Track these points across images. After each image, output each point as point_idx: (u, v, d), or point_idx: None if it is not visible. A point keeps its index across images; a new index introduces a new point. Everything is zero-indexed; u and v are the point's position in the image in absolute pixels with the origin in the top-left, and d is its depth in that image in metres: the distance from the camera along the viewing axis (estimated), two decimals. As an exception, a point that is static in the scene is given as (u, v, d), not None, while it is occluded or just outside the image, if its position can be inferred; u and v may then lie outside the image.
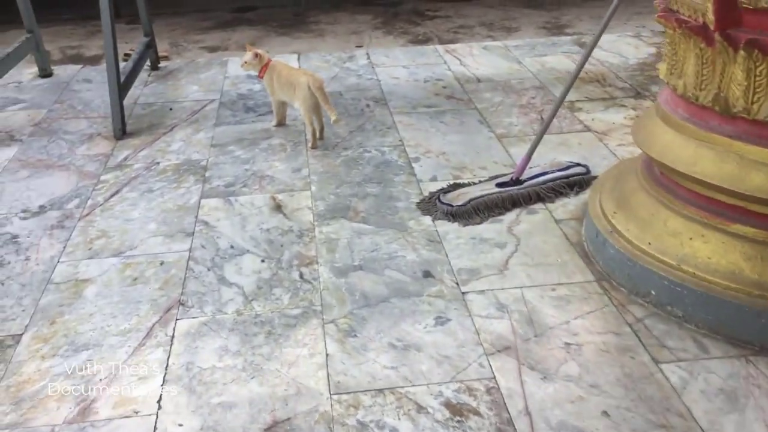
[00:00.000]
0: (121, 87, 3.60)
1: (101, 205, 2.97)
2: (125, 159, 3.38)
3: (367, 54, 4.78)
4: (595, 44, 2.65)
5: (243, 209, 2.90)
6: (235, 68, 4.56)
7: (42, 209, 2.94)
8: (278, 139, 3.54)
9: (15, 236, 2.75)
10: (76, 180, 3.19)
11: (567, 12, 5.82)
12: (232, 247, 2.64)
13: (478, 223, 2.73)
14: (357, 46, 5.15)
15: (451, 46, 4.88)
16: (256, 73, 3.56)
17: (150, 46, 4.44)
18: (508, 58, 4.59)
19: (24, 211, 2.93)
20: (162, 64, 4.69)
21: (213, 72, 4.53)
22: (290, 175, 3.18)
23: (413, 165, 3.21)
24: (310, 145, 3.42)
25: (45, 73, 4.50)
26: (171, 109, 3.97)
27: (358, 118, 3.74)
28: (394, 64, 4.57)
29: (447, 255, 2.54)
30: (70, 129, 3.73)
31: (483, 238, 2.64)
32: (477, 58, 4.61)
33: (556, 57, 4.55)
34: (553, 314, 2.21)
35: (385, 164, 3.23)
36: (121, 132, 3.61)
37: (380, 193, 2.98)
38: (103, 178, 3.20)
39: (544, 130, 2.85)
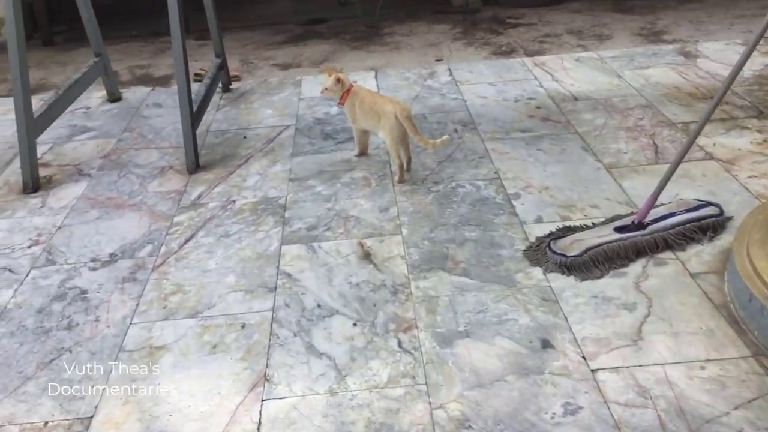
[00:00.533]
0: (193, 117, 3.37)
1: (175, 252, 2.73)
2: (199, 197, 3.13)
3: (449, 69, 4.45)
4: (749, 55, 2.25)
5: (328, 258, 2.61)
6: (309, 88, 4.30)
7: (113, 258, 2.72)
8: (361, 171, 3.25)
9: (84, 291, 2.52)
10: (149, 222, 2.95)
11: (662, 16, 5.37)
12: (319, 306, 2.35)
13: (598, 278, 2.38)
14: (436, 60, 4.83)
15: (540, 59, 4.52)
16: (337, 99, 3.26)
17: (222, 68, 4.22)
18: (605, 71, 4.20)
19: (93, 260, 2.71)
20: (233, 84, 4.46)
21: (287, 93, 4.27)
22: (377, 215, 2.88)
23: (513, 202, 2.87)
24: (396, 178, 3.12)
25: (114, 98, 4.33)
26: (245, 137, 3.72)
27: (447, 146, 3.41)
28: (479, 80, 4.23)
29: (566, 318, 2.20)
30: (141, 161, 3.51)
31: (606, 296, 2.28)
32: (570, 72, 4.23)
33: (660, 69, 4.14)
34: (707, 402, 1.85)
35: (482, 202, 2.90)
36: (195, 165, 3.37)
37: (480, 237, 2.66)
38: (176, 219, 2.96)
39: (676, 166, 2.48)
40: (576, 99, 3.83)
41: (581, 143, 3.33)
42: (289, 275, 2.54)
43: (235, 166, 3.40)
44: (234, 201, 3.08)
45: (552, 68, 4.33)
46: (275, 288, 2.47)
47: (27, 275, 2.64)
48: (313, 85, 4.35)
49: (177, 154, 3.56)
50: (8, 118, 4.06)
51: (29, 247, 2.83)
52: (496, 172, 3.13)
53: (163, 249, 2.76)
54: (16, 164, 3.53)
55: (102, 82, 4.33)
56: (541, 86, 4.06)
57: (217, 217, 2.96)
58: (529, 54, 4.76)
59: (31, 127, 3.27)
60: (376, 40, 5.40)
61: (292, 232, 2.81)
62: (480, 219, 2.78)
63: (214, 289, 2.49)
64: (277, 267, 2.59)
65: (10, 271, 2.68)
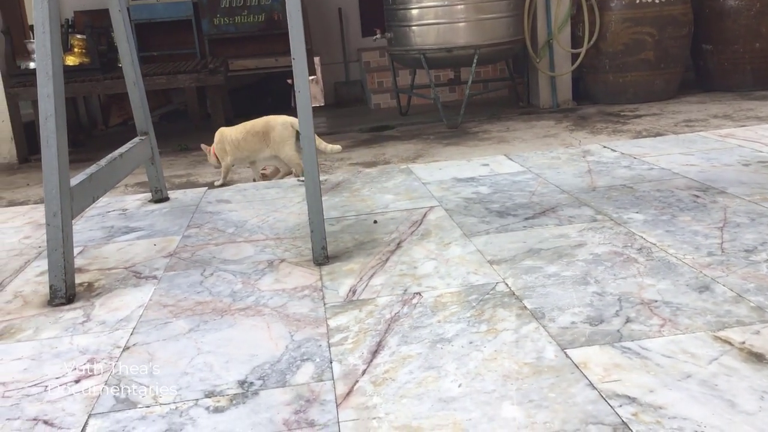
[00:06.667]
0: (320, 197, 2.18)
1: (366, 371, 1.43)
2: (354, 292, 1.87)
3: (606, 147, 3.36)
4: None
5: (679, 365, 1.35)
6: (428, 173, 3.16)
7: (247, 388, 1.40)
8: (599, 245, 2.05)
9: (214, 452, 1.19)
10: (286, 330, 1.67)
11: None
12: (767, 453, 1.05)
13: None
14: (566, 147, 3.76)
15: (721, 132, 3.48)
16: (217, 166, 3.58)
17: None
18: (830, 133, 3.15)
19: (211, 394, 1.39)
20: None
21: (400, 180, 3.12)
22: (699, 297, 1.65)
23: None
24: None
25: (159, 197, 3.12)
26: (376, 221, 2.51)
27: (703, 212, 2.24)
28: (661, 153, 3.14)
29: None
30: (230, 257, 2.26)
31: None
32: (780, 137, 3.17)
33: None
34: None
35: None
36: (324, 255, 2.13)
37: None
38: (334, 323, 1.68)
39: None
40: (834, 157, 2.74)
41: None
42: (631, 399, 1.25)
43: (385, 253, 2.16)
44: (419, 294, 1.82)
45: (749, 137, 3.27)
46: (624, 424, 1.17)
47: (83, 430, 1.31)
48: (430, 171, 3.23)
49: (283, 246, 2.32)
50: (9, 227, 2.89)
51: (77, 381, 1.51)
52: (834, 231, 1.94)
53: (338, 368, 1.46)
54: (29, 272, 2.29)
55: (146, 175, 3.16)
56: (761, 152, 2.97)
57: (405, 316, 1.68)
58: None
59: (66, 198, 2.03)
60: (469, 137, 4.37)
61: (565, 329, 1.54)
62: None
63: (491, 434, 1.18)
64: (592, 385, 1.30)
65: (48, 424, 1.34)
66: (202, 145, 3.65)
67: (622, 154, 3.20)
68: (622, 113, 4.64)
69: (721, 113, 4.28)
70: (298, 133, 3.21)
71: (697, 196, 2.43)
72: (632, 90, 4.95)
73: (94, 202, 2.32)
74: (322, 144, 3.27)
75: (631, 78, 4.92)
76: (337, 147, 3.41)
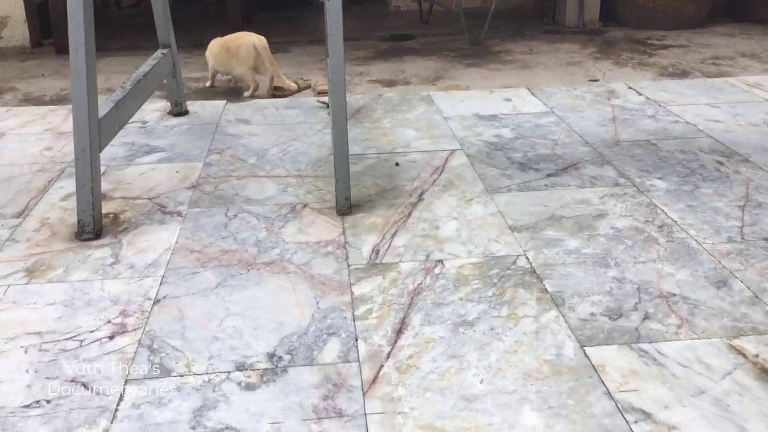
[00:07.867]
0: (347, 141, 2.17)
1: (390, 355, 1.49)
2: (377, 253, 1.91)
3: (632, 89, 3.31)
4: None
5: (691, 377, 1.41)
6: (449, 105, 3.13)
7: (276, 363, 1.47)
8: (620, 217, 2.07)
9: (249, 439, 1.26)
10: (311, 294, 1.72)
11: None
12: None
13: None
14: (589, 80, 3.70)
15: (750, 79, 3.42)
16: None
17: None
18: None
19: (242, 367, 1.46)
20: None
21: (421, 111, 3.09)
22: (716, 294, 1.69)
23: None
24: (249, 92, 3.49)
25: (179, 110, 3.10)
26: (397, 164, 2.52)
27: (725, 183, 2.25)
28: (688, 101, 3.10)
29: None
30: (253, 195, 2.28)
31: None
32: (810, 95, 3.13)
33: None
34: None
35: None
36: (347, 204, 2.15)
37: None
38: (358, 291, 1.73)
39: None
40: None
41: None
42: (647, 415, 1.32)
43: (406, 205, 2.18)
44: (441, 262, 1.85)
45: (776, 90, 3.22)
46: (637, 442, 1.24)
47: (121, 399, 1.37)
48: (451, 102, 3.19)
49: (304, 186, 2.34)
50: (30, 133, 2.88)
51: (110, 337, 1.57)
52: None
53: (362, 348, 1.52)
54: (54, 195, 2.31)
55: (165, 89, 3.13)
56: (788, 111, 2.94)
57: (428, 289, 1.73)
58: (710, 76, 3.66)
59: (95, 132, 2.03)
60: (491, 57, 4.28)
61: (584, 322, 1.59)
62: None
63: (512, 441, 1.25)
64: (609, 394, 1.36)
65: (86, 387, 1.41)
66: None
67: (648, 99, 3.16)
68: (649, 41, 4.53)
69: (749, 51, 4.19)
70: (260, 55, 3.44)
71: (721, 163, 2.43)
72: (661, 15, 4.81)
73: (120, 130, 2.31)
74: (286, 81, 3.56)
75: (661, 2, 4.77)
76: (294, 86, 3.57)
